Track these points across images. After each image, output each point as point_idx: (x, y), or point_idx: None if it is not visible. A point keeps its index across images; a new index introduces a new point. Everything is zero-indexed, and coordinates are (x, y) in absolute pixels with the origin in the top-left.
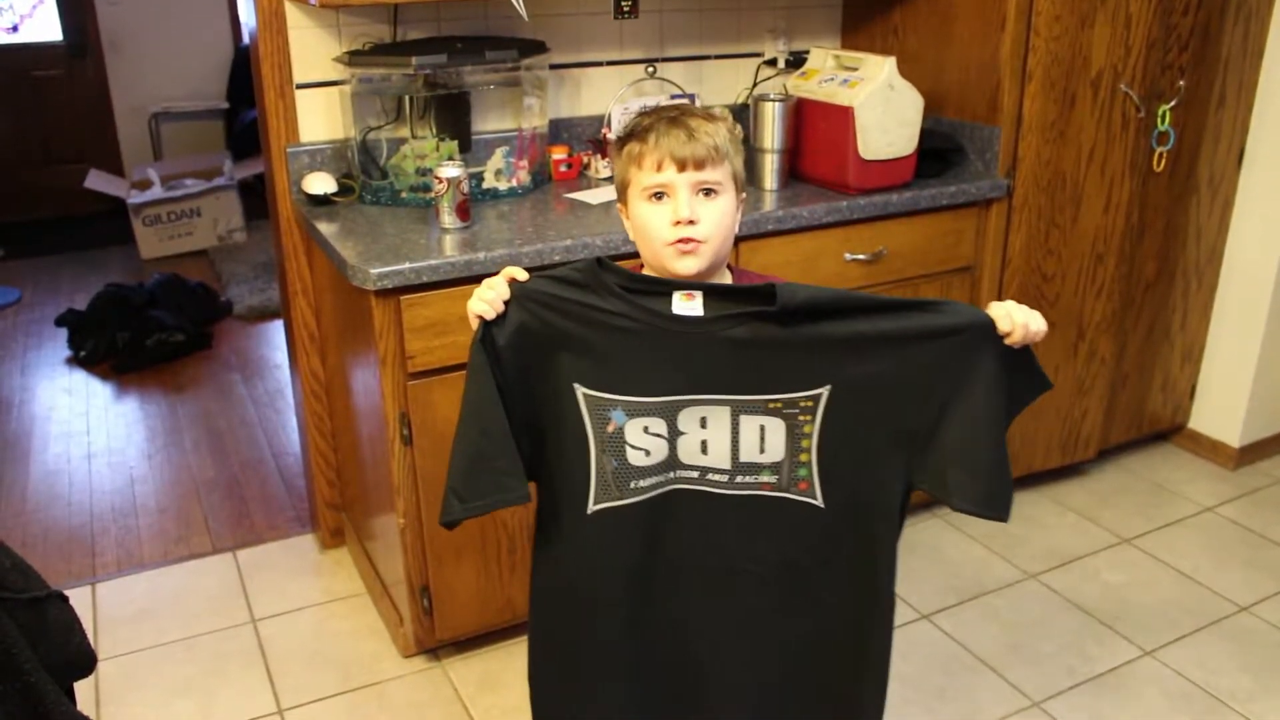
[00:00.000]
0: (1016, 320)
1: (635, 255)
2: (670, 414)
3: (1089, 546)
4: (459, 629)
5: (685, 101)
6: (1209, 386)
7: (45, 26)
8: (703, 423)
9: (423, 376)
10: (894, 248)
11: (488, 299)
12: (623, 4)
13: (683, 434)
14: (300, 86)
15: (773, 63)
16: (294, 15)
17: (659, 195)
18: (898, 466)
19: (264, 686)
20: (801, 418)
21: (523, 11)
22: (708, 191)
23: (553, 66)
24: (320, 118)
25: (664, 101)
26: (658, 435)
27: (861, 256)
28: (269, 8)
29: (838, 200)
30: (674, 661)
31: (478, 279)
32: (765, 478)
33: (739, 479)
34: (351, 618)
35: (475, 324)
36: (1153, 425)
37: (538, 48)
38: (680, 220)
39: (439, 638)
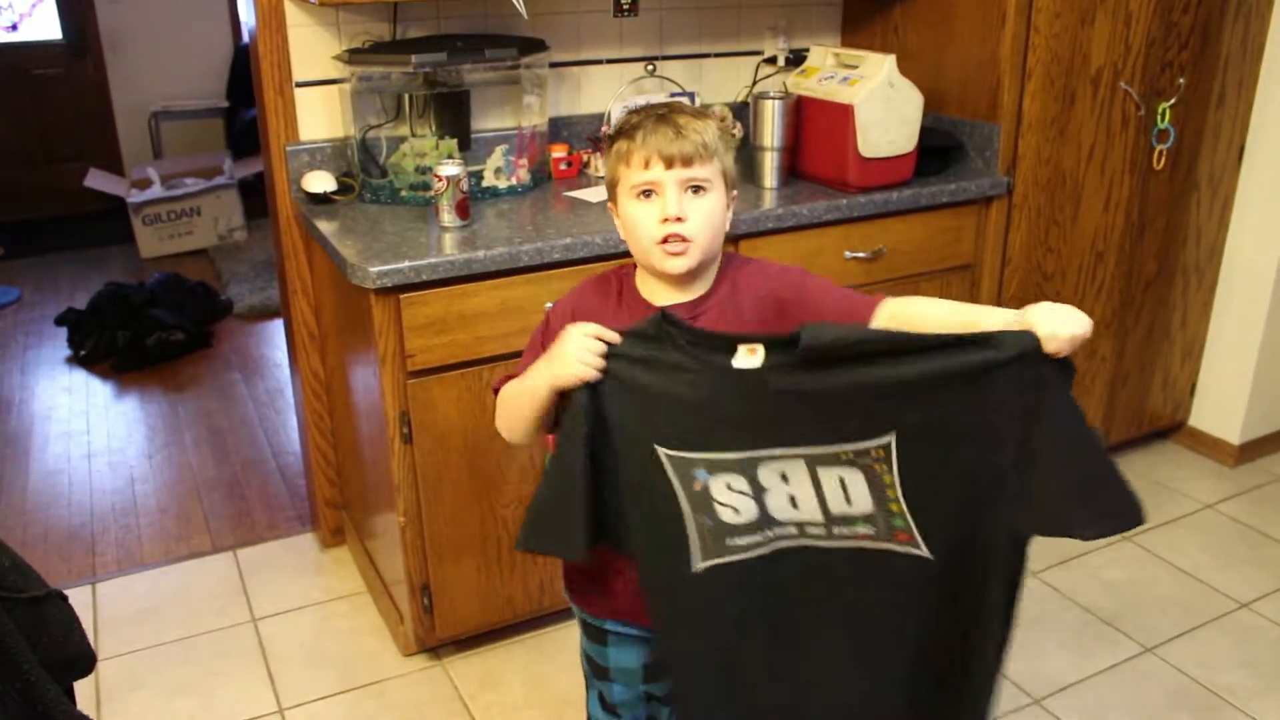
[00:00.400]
0: (1062, 337)
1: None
2: (749, 470)
3: (1089, 544)
4: (459, 627)
5: (678, 100)
6: (1209, 384)
7: (45, 25)
8: (784, 478)
9: (422, 375)
10: (894, 245)
11: (591, 363)
12: (622, 2)
13: (766, 490)
14: (300, 85)
15: (773, 61)
16: (293, 13)
17: (647, 193)
18: (998, 512)
19: (264, 685)
20: (877, 468)
21: (522, 10)
22: (696, 189)
23: (553, 65)
24: (320, 116)
25: (664, 99)
26: (742, 493)
27: (861, 254)
28: (268, 6)
29: (838, 198)
30: (786, 707)
31: (477, 277)
32: (861, 529)
33: (835, 530)
34: (352, 616)
35: (572, 384)
36: (1153, 423)
37: (538, 46)
38: (668, 218)
39: (439, 636)
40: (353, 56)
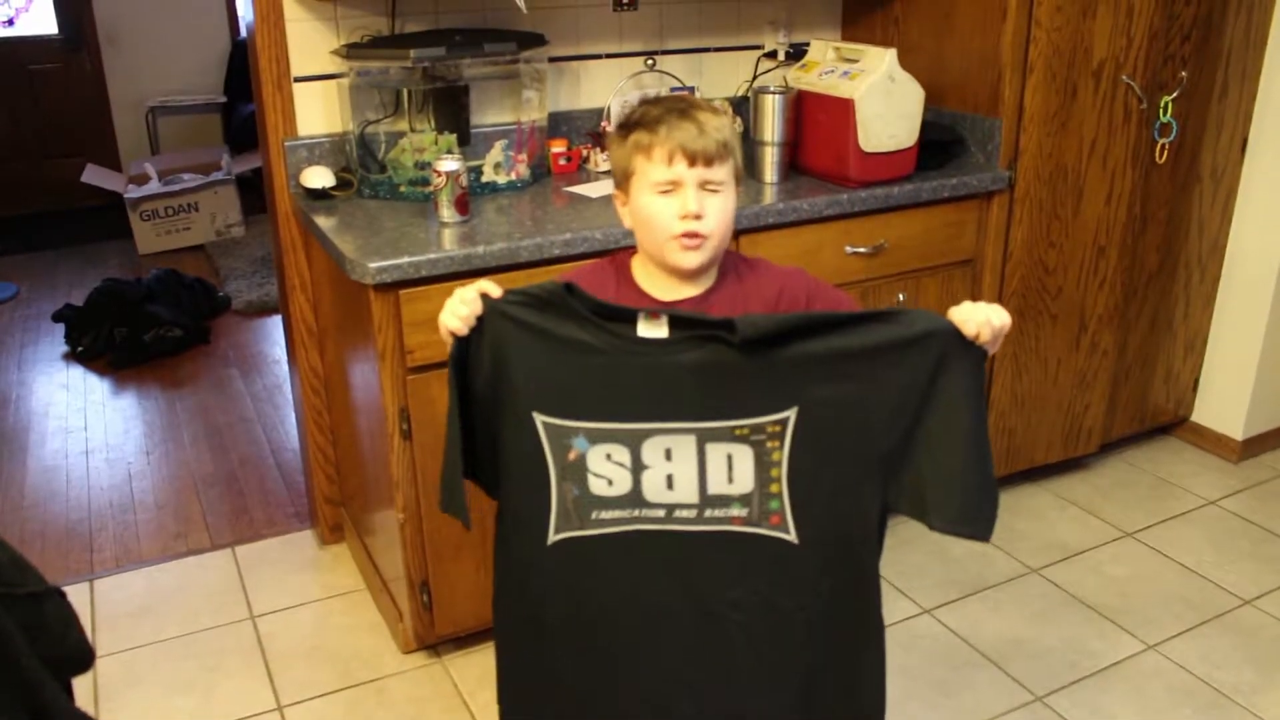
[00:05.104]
0: (978, 319)
1: (635, 248)
2: (634, 443)
3: (1091, 540)
4: (459, 625)
5: (686, 93)
6: (1212, 379)
7: (41, 19)
8: (668, 455)
9: (422, 371)
10: (895, 240)
11: (461, 315)
12: None
13: (647, 468)
14: (298, 80)
15: (773, 55)
16: (291, 8)
17: (666, 191)
18: (874, 490)
19: (263, 683)
20: (769, 444)
21: (521, 4)
22: (713, 190)
23: (552, 59)
24: (318, 111)
25: (664, 94)
26: (620, 465)
27: (862, 249)
28: (266, 0)
29: (838, 193)
30: (646, 705)
31: (477, 273)
32: (735, 511)
33: (708, 513)
34: (351, 614)
35: (447, 339)
36: (1155, 418)
37: (537, 40)
38: (688, 214)
39: (439, 633)
40: (351, 51)
